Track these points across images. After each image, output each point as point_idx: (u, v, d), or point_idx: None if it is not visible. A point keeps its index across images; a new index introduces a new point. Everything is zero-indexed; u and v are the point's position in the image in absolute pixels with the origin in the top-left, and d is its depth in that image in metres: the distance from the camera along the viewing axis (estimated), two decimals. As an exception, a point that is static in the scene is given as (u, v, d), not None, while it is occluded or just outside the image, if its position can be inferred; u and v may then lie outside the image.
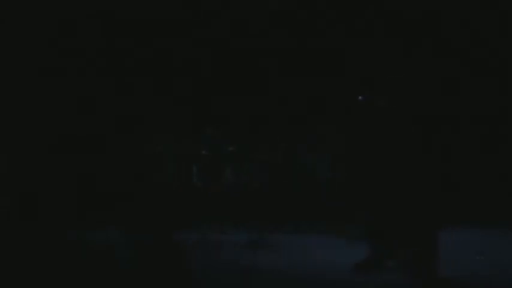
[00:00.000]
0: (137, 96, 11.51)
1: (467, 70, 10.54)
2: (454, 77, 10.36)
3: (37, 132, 10.28)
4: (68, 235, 8.45)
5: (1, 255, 7.14)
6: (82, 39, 11.06)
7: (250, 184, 10.15)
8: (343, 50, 10.96)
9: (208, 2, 11.47)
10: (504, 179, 10.25)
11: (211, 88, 11.70)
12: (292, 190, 10.48)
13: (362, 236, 7.03)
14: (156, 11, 11.45)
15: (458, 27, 10.63)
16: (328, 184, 10.08)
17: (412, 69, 6.84)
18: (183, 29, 11.59)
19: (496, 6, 10.65)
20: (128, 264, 6.59)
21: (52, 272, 6.35)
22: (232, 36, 11.56)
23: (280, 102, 11.54)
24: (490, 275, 6.04)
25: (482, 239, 7.43)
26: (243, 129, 10.82)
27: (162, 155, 10.57)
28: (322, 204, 10.03)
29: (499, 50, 10.69)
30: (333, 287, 5.92)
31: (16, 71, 10.40)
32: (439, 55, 10.33)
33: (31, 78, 10.49)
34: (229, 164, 10.35)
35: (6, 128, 10.14)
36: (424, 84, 6.92)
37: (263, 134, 11.02)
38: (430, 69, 8.42)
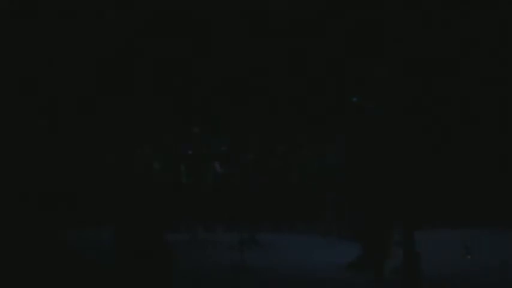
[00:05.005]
0: (128, 97, 11.50)
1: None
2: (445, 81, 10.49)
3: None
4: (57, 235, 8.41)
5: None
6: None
7: (241, 184, 10.13)
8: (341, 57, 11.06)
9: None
10: (494, 180, 10.33)
11: (206, 88, 11.69)
12: (284, 190, 10.49)
13: (352, 236, 7.08)
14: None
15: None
16: (321, 185, 10.08)
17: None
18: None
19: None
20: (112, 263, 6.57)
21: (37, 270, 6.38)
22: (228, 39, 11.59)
23: (275, 105, 11.58)
24: (477, 274, 6.11)
25: (471, 238, 7.49)
26: (236, 129, 10.84)
27: (151, 155, 10.54)
28: (314, 204, 10.03)
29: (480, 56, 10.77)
30: (323, 285, 5.96)
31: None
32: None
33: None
34: (219, 164, 10.32)
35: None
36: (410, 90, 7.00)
37: (257, 134, 11.02)
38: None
